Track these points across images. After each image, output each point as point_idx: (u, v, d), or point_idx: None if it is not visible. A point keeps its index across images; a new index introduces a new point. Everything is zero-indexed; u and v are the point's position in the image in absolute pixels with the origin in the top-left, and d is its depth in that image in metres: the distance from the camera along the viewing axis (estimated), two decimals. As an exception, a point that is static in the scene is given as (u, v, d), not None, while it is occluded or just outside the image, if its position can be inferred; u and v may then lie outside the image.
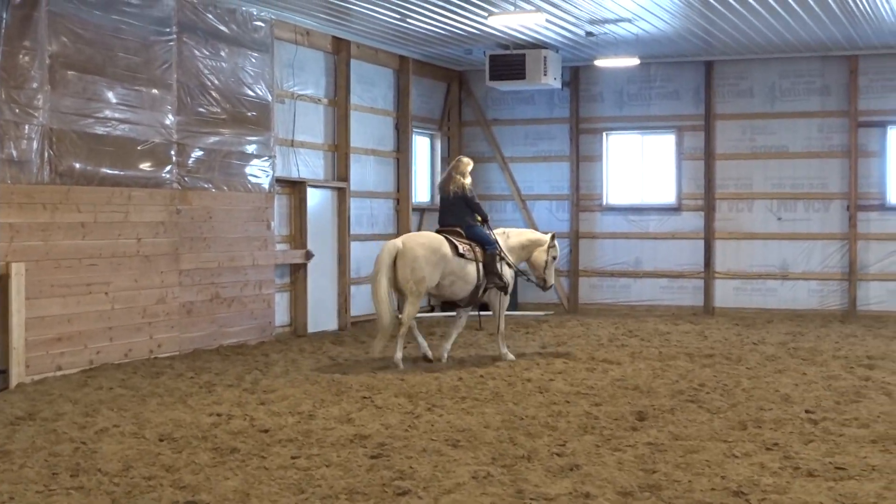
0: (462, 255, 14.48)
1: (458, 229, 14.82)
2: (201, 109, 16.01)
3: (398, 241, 14.40)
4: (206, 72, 16.11)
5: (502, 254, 15.00)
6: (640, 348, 16.14)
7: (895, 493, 7.59)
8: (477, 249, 14.71)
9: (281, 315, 18.09)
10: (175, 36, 15.48)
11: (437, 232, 14.91)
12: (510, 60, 20.51)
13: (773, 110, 22.04)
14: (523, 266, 15.90)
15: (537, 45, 20.39)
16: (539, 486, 7.92)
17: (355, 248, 20.06)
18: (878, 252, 21.41)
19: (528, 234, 15.81)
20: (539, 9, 16.60)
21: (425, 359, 14.69)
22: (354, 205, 20.11)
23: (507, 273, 15.06)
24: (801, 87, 21.89)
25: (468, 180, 15.01)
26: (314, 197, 18.87)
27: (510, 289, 15.24)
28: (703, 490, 7.79)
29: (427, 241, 14.42)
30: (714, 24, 18.54)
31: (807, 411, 10.85)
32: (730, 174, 22.32)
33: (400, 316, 14.40)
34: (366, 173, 20.68)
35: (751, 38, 19.69)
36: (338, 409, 11.10)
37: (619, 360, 14.77)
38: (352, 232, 19.89)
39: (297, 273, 18.41)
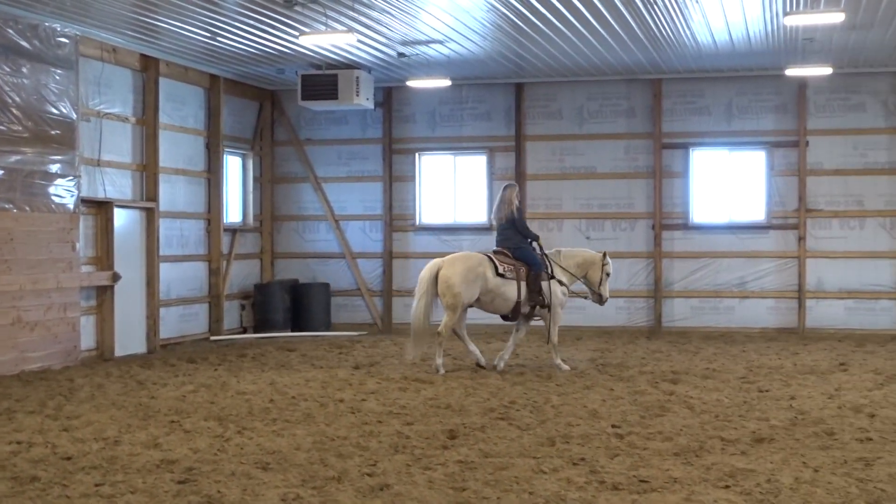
0: (502, 275, 15.55)
1: (506, 251, 15.82)
2: (1, 127, 15.49)
3: (441, 260, 15.77)
4: (6, 88, 15.60)
5: (552, 273, 15.89)
6: (453, 367, 16.22)
7: (695, 504, 7.81)
8: (521, 269, 15.69)
9: (87, 339, 17.59)
10: (-27, 51, 14.96)
11: (494, 252, 15.99)
12: (322, 80, 20.46)
13: (582, 132, 22.54)
14: (579, 286, 16.66)
15: (350, 66, 20.39)
16: (349, 507, 7.88)
17: (165, 269, 19.68)
18: (681, 270, 22.09)
19: (582, 254, 16.59)
20: (351, 29, 16.60)
21: (478, 366, 15.89)
22: (164, 225, 19.74)
23: (558, 291, 15.92)
24: (608, 109, 22.45)
25: (515, 205, 16.01)
26: (122, 217, 18.45)
27: (563, 306, 16.17)
28: (511, 506, 7.87)
29: (466, 260, 15.70)
30: (524, 47, 18.84)
31: (613, 426, 11.06)
32: (540, 194, 22.72)
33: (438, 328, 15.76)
34: (176, 193, 20.31)
35: (559, 61, 20.09)
36: (145, 434, 10.84)
37: (431, 379, 14.84)
38: (161, 253, 19.50)
39: (103, 295, 17.95)
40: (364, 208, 23.61)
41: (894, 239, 21.27)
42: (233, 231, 22.43)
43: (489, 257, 15.76)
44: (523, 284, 15.68)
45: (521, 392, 13.60)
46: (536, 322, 16.53)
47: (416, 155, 23.37)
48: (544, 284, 15.77)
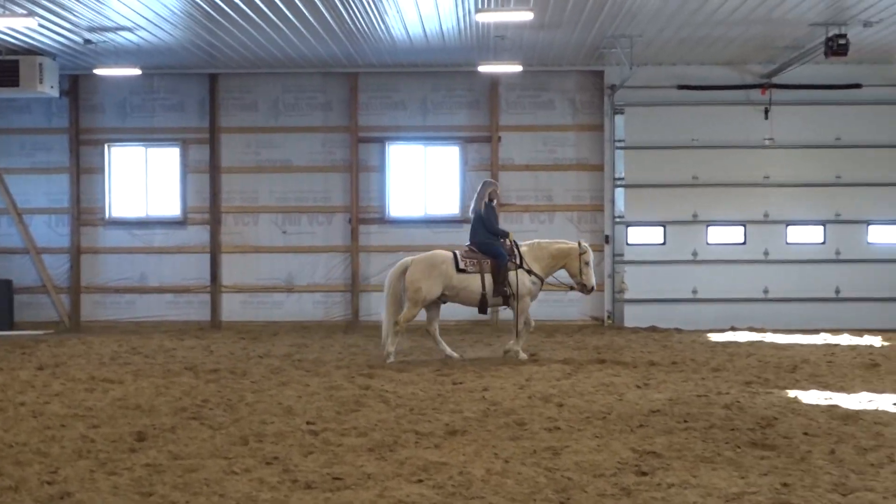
0: (463, 270, 15.99)
1: (473, 246, 16.25)
2: None
3: (408, 258, 16.32)
4: None
5: (522, 266, 16.12)
6: (144, 366, 15.69)
7: (387, 500, 7.72)
8: (485, 263, 16.05)
9: None
10: None
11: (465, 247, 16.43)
12: (2, 67, 19.45)
13: (278, 124, 22.33)
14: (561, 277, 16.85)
15: (32, 52, 19.43)
16: (24, 519, 7.40)
17: None
18: (378, 263, 22.19)
19: (556, 245, 16.60)
20: (31, 12, 15.78)
21: (448, 358, 16.15)
22: None
23: (526, 280, 16.14)
24: (305, 102, 22.32)
25: (486, 201, 16.37)
26: None
27: (533, 296, 16.34)
28: (199, 510, 7.58)
29: (430, 257, 16.23)
30: (217, 37, 18.46)
31: (308, 423, 10.88)
32: (235, 187, 22.37)
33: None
34: None
35: (254, 52, 19.80)
36: None
37: (121, 378, 14.27)
38: None
39: None
40: (49, 201, 22.61)
41: (581, 232, 22.03)
42: None
43: (454, 254, 16.18)
44: (488, 277, 16.00)
45: (215, 390, 13.25)
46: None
47: (106, 146, 22.57)
48: (511, 275, 16.01)
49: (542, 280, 16.43)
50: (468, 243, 16.48)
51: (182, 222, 22.46)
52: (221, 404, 12.16)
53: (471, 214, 16.70)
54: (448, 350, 16.37)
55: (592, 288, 16.60)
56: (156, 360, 16.52)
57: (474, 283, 16.08)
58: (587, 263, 16.43)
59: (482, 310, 16.43)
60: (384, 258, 22.17)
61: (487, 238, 16.30)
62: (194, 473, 8.62)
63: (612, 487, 8.06)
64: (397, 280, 16.14)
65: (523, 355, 16.20)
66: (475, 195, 16.70)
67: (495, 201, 16.71)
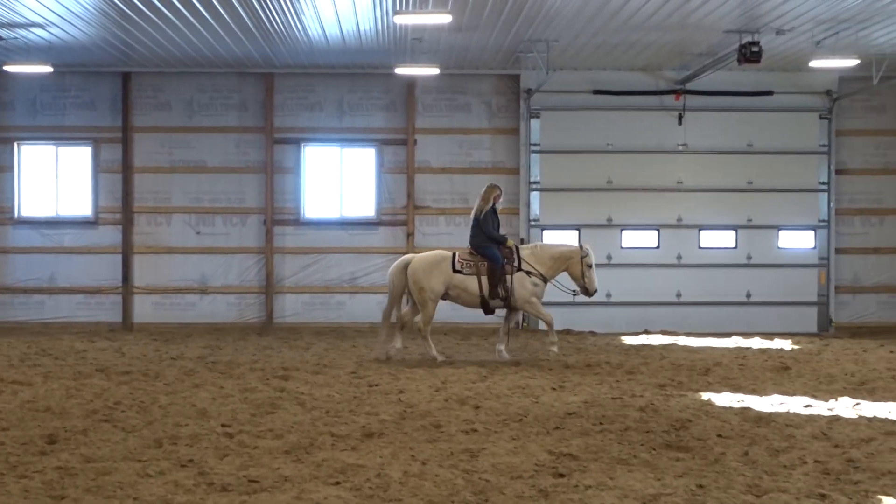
0: (459, 271, 16.13)
1: (472, 248, 16.34)
2: None
3: (408, 257, 16.62)
4: None
5: (522, 269, 16.13)
6: (54, 367, 15.42)
7: (305, 503, 7.64)
8: (481, 265, 16.14)
9: None
10: None
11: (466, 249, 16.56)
12: None
13: (192, 124, 22.12)
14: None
15: (-60, 47, 19.04)
16: (-69, 524, 7.22)
17: None
18: (293, 265, 22.08)
19: (559, 248, 16.73)
20: (-60, 6, 15.48)
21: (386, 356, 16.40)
22: None
23: (527, 283, 16.18)
24: (219, 102, 22.13)
25: (488, 206, 16.31)
26: None
27: (537, 297, 16.31)
28: (113, 514, 7.45)
29: (430, 257, 16.45)
30: (131, 35, 18.23)
31: (223, 425, 10.76)
32: (148, 188, 22.10)
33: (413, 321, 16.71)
34: None
35: (168, 51, 19.58)
36: None
37: (30, 380, 14.00)
38: None
39: None
40: (-43, 200, 22.20)
41: (497, 235, 22.10)
42: None
43: (454, 254, 16.33)
44: (484, 279, 16.09)
45: (128, 392, 13.05)
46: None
47: (15, 144, 22.19)
48: (508, 279, 16.01)
49: (545, 280, 16.39)
50: (468, 245, 16.52)
51: (93, 222, 22.15)
52: (134, 406, 11.99)
53: (471, 217, 16.60)
54: (381, 346, 16.40)
55: (595, 291, 16.55)
56: (66, 361, 16.25)
57: (472, 284, 16.21)
58: (590, 266, 16.42)
59: (486, 311, 16.50)
60: (299, 260, 22.09)
61: (486, 242, 16.29)
62: (107, 476, 8.48)
63: (530, 489, 8.08)
64: (399, 275, 16.30)
65: (554, 349, 16.38)
66: (478, 198, 16.58)
67: (497, 205, 16.51)
